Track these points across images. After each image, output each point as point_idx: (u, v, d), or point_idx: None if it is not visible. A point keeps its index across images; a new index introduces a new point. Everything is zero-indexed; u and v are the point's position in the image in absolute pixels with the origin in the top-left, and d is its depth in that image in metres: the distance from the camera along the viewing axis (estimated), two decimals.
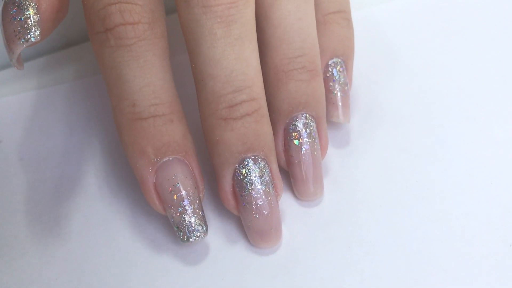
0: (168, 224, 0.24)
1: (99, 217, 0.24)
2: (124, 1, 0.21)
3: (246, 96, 0.21)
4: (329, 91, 0.25)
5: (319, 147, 0.24)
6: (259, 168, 0.22)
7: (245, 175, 0.22)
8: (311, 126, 0.23)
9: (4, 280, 0.23)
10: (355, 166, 0.25)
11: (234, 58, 0.21)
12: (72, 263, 0.23)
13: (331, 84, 0.25)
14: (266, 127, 0.22)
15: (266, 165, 0.22)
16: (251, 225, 0.22)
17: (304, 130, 0.23)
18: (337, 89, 0.25)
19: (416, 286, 0.22)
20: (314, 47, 0.24)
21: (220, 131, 0.22)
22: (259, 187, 0.22)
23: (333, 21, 0.26)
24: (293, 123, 0.23)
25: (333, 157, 0.26)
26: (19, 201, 0.25)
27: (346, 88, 0.26)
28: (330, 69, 0.25)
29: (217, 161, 0.22)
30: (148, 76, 0.21)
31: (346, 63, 0.26)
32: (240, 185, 0.22)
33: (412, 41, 0.31)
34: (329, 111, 0.25)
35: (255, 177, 0.22)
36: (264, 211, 0.22)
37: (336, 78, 0.25)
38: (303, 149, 0.23)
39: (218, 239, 0.23)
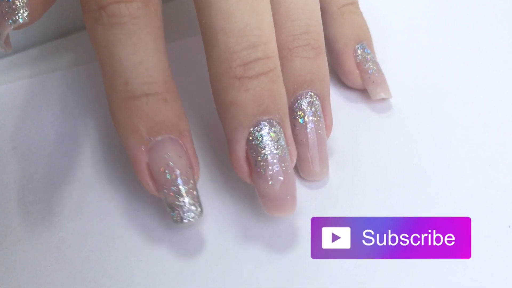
0: (162, 211, 0.23)
1: (92, 205, 0.24)
2: None
3: (261, 53, 0.20)
4: (364, 72, 0.26)
5: (324, 126, 0.23)
6: (274, 132, 0.21)
7: (260, 139, 0.21)
8: (316, 104, 0.23)
9: None
10: (351, 150, 0.25)
11: (248, 11, 0.20)
12: (64, 251, 0.22)
13: (364, 64, 0.26)
14: (281, 89, 0.21)
15: (281, 130, 0.21)
16: (266, 193, 0.21)
17: (309, 108, 0.23)
18: (372, 68, 0.26)
19: (415, 271, 0.21)
20: (319, 24, 0.23)
21: (234, 91, 0.20)
22: (275, 152, 0.21)
23: (349, 11, 0.27)
24: (298, 101, 0.23)
25: (329, 141, 0.25)
26: (12, 189, 0.24)
27: (378, 66, 0.27)
28: (359, 51, 0.27)
29: (230, 125, 0.21)
30: (141, 54, 0.20)
31: (369, 46, 0.27)
32: (255, 150, 0.21)
33: (411, 30, 0.31)
34: (371, 90, 0.27)
35: (271, 141, 0.21)
36: (280, 177, 0.20)
37: (368, 58, 0.27)
38: (309, 127, 0.23)
39: (213, 225, 0.23)
